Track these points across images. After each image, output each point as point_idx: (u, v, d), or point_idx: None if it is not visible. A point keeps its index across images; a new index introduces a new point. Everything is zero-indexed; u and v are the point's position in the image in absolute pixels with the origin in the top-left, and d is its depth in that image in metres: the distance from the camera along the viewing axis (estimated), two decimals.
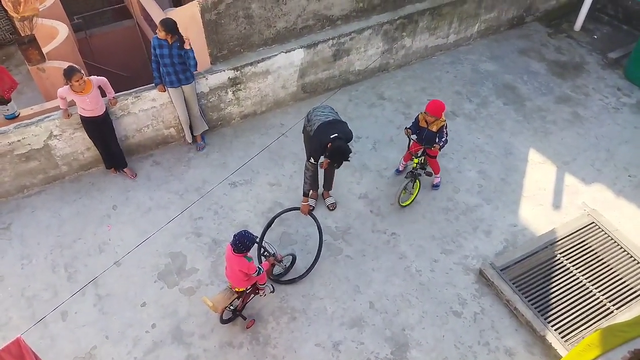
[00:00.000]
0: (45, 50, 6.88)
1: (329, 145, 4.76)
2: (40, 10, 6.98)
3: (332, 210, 5.78)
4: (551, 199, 5.94)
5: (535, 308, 4.82)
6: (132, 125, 6.06)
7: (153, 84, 5.89)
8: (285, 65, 6.60)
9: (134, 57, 9.87)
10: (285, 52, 6.47)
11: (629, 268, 5.18)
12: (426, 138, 5.42)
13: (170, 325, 4.79)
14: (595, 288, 5.02)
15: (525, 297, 4.89)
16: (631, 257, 5.26)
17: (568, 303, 4.89)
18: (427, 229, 5.63)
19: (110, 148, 5.87)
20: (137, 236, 5.45)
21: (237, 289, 4.43)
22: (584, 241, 5.41)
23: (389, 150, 6.51)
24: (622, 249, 5.32)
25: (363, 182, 6.12)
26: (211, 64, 6.20)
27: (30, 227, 5.62)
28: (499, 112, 7.04)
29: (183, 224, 5.59)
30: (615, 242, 5.39)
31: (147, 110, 6.03)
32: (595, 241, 5.41)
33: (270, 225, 5.22)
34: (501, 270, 5.09)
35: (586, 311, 4.84)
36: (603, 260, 5.24)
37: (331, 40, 6.72)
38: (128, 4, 10.17)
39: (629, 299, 4.94)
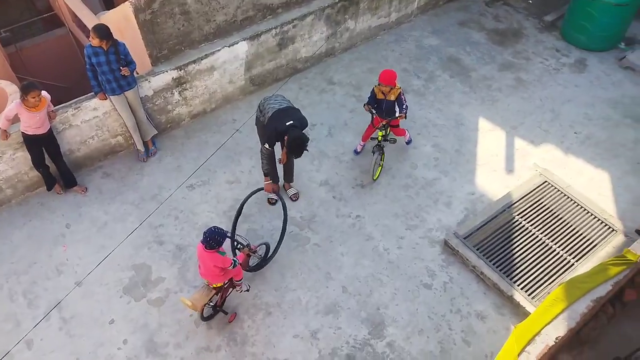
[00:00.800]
0: None
1: (286, 137, 4.73)
2: None
3: (295, 200, 5.75)
4: (504, 163, 6.12)
5: (501, 270, 4.98)
6: (76, 137, 5.79)
7: (92, 93, 5.63)
8: (230, 60, 6.45)
9: (70, 67, 9.42)
10: (229, 46, 6.32)
11: (584, 221, 5.42)
12: (386, 109, 5.56)
13: (142, 339, 4.66)
14: (555, 244, 5.23)
15: (490, 261, 5.04)
16: (585, 210, 5.50)
17: (530, 261, 5.08)
18: (390, 207, 5.69)
19: (59, 166, 5.61)
20: (95, 253, 5.25)
21: (214, 285, 4.38)
22: (538, 200, 5.62)
23: (344, 135, 6.52)
24: (576, 204, 5.56)
25: (323, 169, 6.11)
26: (152, 65, 5.98)
27: None
28: (447, 86, 7.17)
29: (143, 234, 5.42)
30: (568, 197, 5.62)
31: (89, 121, 5.77)
32: (550, 199, 5.63)
33: (239, 215, 5.11)
34: (464, 238, 5.22)
35: (548, 267, 5.05)
36: (559, 217, 5.46)
37: (274, 30, 6.62)
38: (58, 11, 9.66)
39: (586, 250, 5.18)
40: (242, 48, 6.46)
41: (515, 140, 6.39)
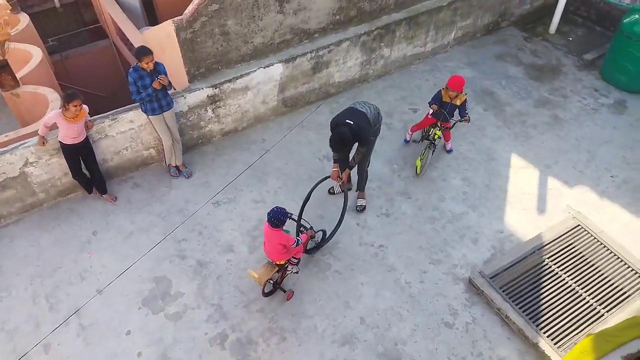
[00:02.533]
0: (19, 75, 6.74)
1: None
2: (12, 34, 6.84)
3: (360, 211, 5.84)
4: (535, 203, 5.95)
5: (527, 315, 4.80)
6: (110, 148, 5.94)
7: (130, 106, 5.76)
8: (264, 81, 6.55)
9: (111, 77, 9.75)
10: (264, 68, 6.42)
11: (616, 270, 5.19)
12: (449, 112, 5.97)
13: (157, 353, 4.66)
14: (585, 291, 5.02)
15: (516, 305, 4.87)
16: (618, 258, 5.28)
17: (559, 308, 4.88)
18: (414, 239, 5.59)
19: (94, 174, 5.74)
20: (119, 262, 5.31)
21: (277, 263, 4.71)
22: (570, 244, 5.42)
23: (372, 161, 6.46)
24: (609, 251, 5.34)
25: (348, 195, 6.05)
26: (189, 82, 6.11)
27: (8, 257, 5.44)
28: (480, 118, 7.07)
29: (166, 247, 5.47)
30: (601, 244, 5.41)
31: (125, 133, 5.91)
32: (582, 244, 5.43)
33: (308, 201, 5.36)
34: (490, 278, 5.07)
35: (577, 315, 4.83)
36: (591, 263, 5.25)
37: (309, 54, 6.70)
38: (103, 24, 10.06)
39: (618, 300, 4.94)
40: (277, 70, 6.55)
41: (548, 179, 6.22)
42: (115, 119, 5.75)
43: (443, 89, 5.94)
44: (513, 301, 4.89)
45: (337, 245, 5.52)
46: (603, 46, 8.15)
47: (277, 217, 4.36)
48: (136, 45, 6.32)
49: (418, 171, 6.15)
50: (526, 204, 5.94)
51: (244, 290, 5.10)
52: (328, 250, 5.47)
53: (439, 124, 6.05)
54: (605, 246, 5.38)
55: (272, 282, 4.94)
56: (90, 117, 5.57)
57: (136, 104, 5.67)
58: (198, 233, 5.64)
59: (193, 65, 6.01)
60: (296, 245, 4.62)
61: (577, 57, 8.14)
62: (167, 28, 5.81)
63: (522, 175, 6.27)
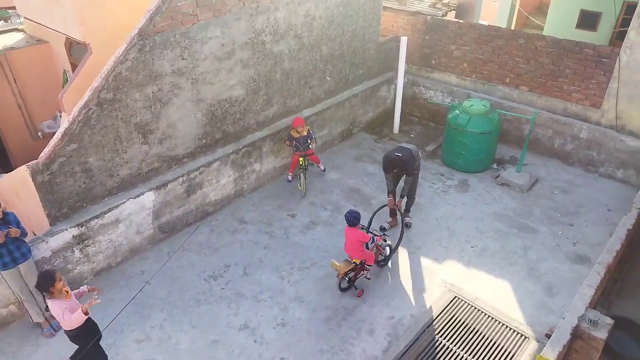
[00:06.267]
0: None
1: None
2: None
3: (408, 227, 7.26)
4: (415, 283, 6.38)
5: None
6: None
7: None
8: (136, 211, 6.39)
9: None
10: (134, 198, 6.31)
11: (497, 332, 5.66)
12: (303, 143, 7.73)
13: None
14: None
15: None
16: (496, 320, 5.78)
17: None
18: (314, 344, 5.54)
19: None
20: None
21: (354, 260, 5.86)
22: (453, 316, 5.83)
23: (260, 273, 6.48)
24: (487, 315, 5.84)
25: (241, 312, 5.91)
26: (50, 225, 5.71)
27: None
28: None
29: None
30: (479, 310, 5.90)
31: None
32: (463, 313, 5.87)
33: (372, 220, 6.63)
34: None
35: None
36: (475, 330, 5.66)
37: (181, 178, 6.78)
38: None
39: None
40: (149, 198, 6.48)
41: (421, 259, 6.77)
42: None
43: (291, 130, 7.73)
44: None
45: None
46: (439, 138, 9.57)
47: (352, 216, 5.66)
48: None
49: (304, 193, 7.92)
50: (408, 286, 6.33)
51: None
52: None
53: (302, 155, 7.78)
54: (482, 311, 5.88)
55: (347, 278, 6.04)
56: None
57: None
58: None
59: (54, 207, 5.67)
60: (372, 242, 6.13)
61: (421, 150, 9.40)
62: (21, 173, 5.50)
63: (399, 260, 6.75)
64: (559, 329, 4.73)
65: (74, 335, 4.64)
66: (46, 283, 4.36)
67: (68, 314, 4.36)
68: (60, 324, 4.53)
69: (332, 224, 7.39)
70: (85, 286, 4.86)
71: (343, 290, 6.13)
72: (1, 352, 5.33)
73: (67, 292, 4.52)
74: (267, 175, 8.19)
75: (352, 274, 6.05)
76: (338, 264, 5.86)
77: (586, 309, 4.89)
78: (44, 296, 4.58)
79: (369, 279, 6.23)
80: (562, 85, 8.53)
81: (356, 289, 6.14)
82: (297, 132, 7.72)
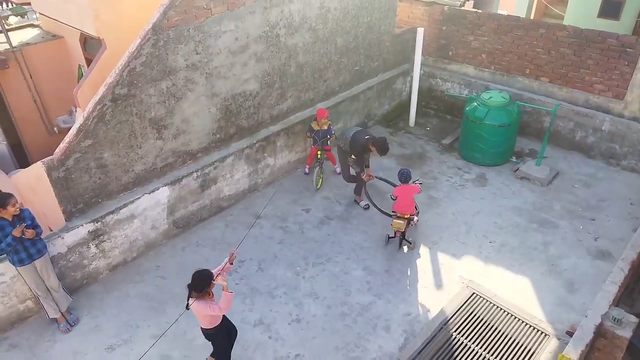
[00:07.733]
0: None
1: (370, 145, 6.79)
2: None
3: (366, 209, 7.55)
4: (432, 279, 6.28)
5: None
6: None
7: None
8: (151, 206, 6.39)
9: None
10: (149, 193, 6.30)
11: (517, 329, 5.54)
12: (321, 137, 7.63)
13: None
14: (494, 357, 5.22)
15: None
16: (515, 317, 5.65)
17: None
18: (329, 340, 5.48)
19: None
20: None
21: (406, 216, 6.45)
22: (471, 313, 5.71)
23: (275, 268, 6.44)
24: (506, 312, 5.72)
25: (256, 308, 5.88)
26: (66, 220, 5.73)
27: None
28: (369, 209, 7.51)
29: None
30: (497, 306, 5.78)
31: None
32: (481, 310, 5.75)
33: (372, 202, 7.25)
34: None
35: None
36: (493, 327, 5.55)
37: (195, 173, 6.76)
38: None
39: (526, 359, 5.20)
40: (164, 193, 6.47)
41: (438, 254, 6.66)
42: None
43: (312, 121, 7.67)
44: None
45: None
46: (456, 131, 9.40)
47: (407, 173, 6.48)
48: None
49: (318, 186, 7.91)
50: (424, 282, 6.23)
51: None
52: None
53: (319, 149, 7.77)
54: (501, 308, 5.76)
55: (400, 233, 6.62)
56: None
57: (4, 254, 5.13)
58: None
59: (69, 203, 5.69)
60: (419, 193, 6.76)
61: (437, 143, 9.24)
62: (36, 170, 5.53)
63: (415, 255, 6.65)
64: (582, 327, 4.60)
65: (214, 333, 4.59)
66: (205, 281, 4.11)
67: (217, 307, 4.24)
68: (203, 324, 4.46)
69: (347, 219, 7.31)
70: (226, 259, 4.48)
71: (390, 239, 6.78)
72: (18, 347, 5.38)
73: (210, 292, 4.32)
74: (281, 170, 8.13)
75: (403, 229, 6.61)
76: (402, 222, 6.40)
77: (610, 306, 4.74)
78: (188, 298, 4.25)
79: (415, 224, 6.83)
80: (584, 77, 8.29)
81: (409, 243, 6.67)
82: (318, 124, 7.64)
